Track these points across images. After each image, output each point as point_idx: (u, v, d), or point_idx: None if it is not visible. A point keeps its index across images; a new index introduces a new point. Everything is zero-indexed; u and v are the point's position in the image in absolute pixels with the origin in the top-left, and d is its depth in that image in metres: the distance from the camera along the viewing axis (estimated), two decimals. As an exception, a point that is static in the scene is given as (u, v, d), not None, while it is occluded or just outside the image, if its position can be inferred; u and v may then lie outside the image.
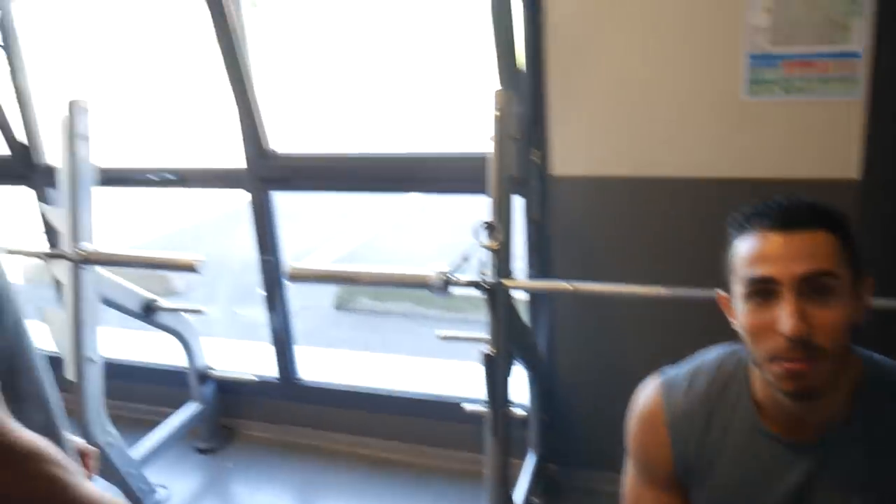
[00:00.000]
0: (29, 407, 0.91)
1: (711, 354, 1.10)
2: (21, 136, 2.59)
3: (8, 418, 0.79)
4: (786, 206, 0.94)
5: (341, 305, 4.90)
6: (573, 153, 2.03)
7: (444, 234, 6.16)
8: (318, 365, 2.79)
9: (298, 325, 2.70)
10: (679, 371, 1.11)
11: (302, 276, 1.89)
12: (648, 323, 2.07)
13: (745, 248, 0.95)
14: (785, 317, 0.87)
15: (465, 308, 4.50)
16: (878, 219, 1.84)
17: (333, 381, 2.65)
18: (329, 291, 4.89)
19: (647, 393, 1.12)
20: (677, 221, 1.99)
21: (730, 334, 1.12)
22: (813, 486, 0.97)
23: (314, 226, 6.51)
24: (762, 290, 0.92)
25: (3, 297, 0.89)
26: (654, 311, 2.04)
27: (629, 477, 1.15)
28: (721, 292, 1.05)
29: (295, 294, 2.63)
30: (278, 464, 2.55)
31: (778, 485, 0.99)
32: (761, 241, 0.92)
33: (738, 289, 0.96)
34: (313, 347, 3.04)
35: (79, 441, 1.14)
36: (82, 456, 1.14)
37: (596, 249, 2.08)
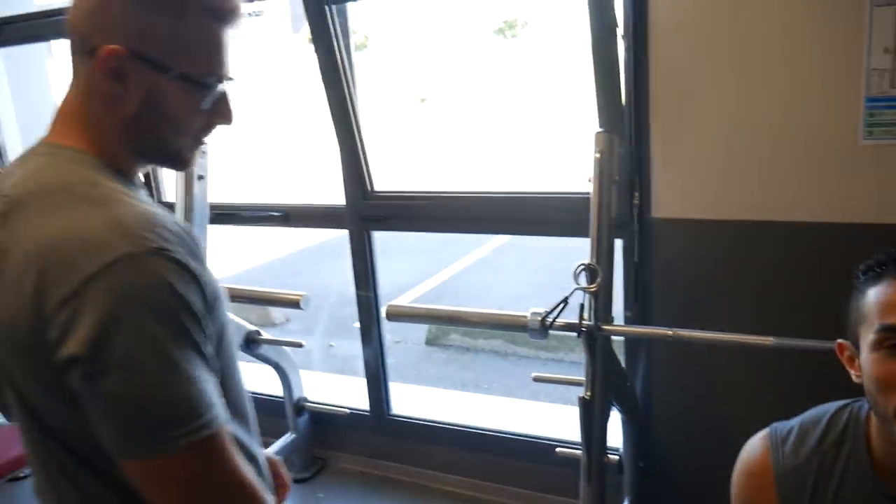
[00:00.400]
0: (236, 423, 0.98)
1: (823, 409, 1.06)
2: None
3: (244, 461, 0.87)
4: None
5: (432, 341, 4.93)
6: (675, 195, 1.99)
7: (533, 269, 6.14)
8: (410, 400, 2.81)
9: (390, 359, 2.73)
10: (789, 426, 1.07)
11: (399, 315, 1.92)
12: (750, 373, 1.99)
13: (879, 295, 0.91)
14: None
15: (557, 347, 4.45)
16: None
17: (424, 417, 2.66)
18: (421, 327, 4.94)
19: (755, 447, 1.08)
20: (785, 267, 1.91)
21: (840, 389, 1.06)
22: None
23: (403, 257, 6.60)
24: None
25: (225, 331, 0.96)
26: (757, 360, 1.96)
27: None
28: (842, 341, 1.01)
29: (388, 328, 2.67)
30: (368, 496, 2.57)
31: None
32: None
33: (869, 337, 0.91)
34: (405, 384, 3.07)
35: (266, 452, 1.21)
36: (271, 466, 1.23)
37: (697, 294, 2.03)
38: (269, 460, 1.17)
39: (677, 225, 2.01)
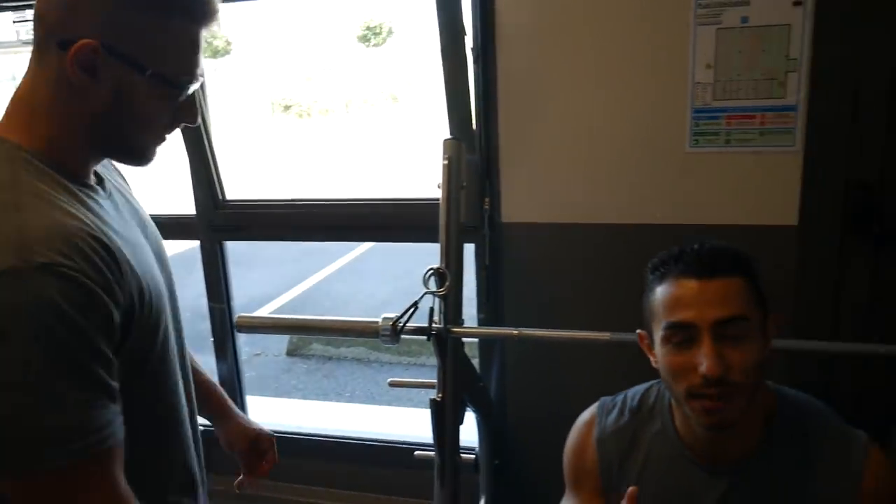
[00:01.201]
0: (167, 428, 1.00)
1: (644, 385, 1.20)
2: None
3: (122, 475, 0.85)
4: (700, 254, 1.00)
5: (293, 352, 4.83)
6: (524, 200, 2.07)
7: (397, 275, 6.17)
8: (270, 413, 2.75)
9: (250, 372, 2.66)
10: (616, 399, 1.21)
11: (250, 326, 1.87)
12: (597, 367, 2.08)
13: (664, 295, 1.02)
14: (703, 358, 0.94)
15: (419, 352, 4.49)
16: (815, 263, 1.91)
17: (284, 429, 2.60)
18: (281, 338, 4.83)
19: (584, 416, 1.24)
20: (625, 266, 2.01)
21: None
22: None
23: (265, 267, 6.45)
24: (681, 334, 0.98)
25: (157, 338, 0.95)
26: (603, 355, 2.07)
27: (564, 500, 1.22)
28: (641, 331, 1.12)
29: (247, 341, 2.60)
30: (227, 514, 2.48)
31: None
32: (679, 287, 0.99)
33: (659, 332, 1.01)
34: (265, 397, 3.00)
35: (255, 427, 1.38)
36: (258, 442, 1.35)
37: (546, 295, 2.11)
38: (263, 436, 1.35)
39: (526, 229, 2.08)
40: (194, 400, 1.14)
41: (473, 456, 2.09)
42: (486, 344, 2.24)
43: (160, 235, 1.12)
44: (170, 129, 0.97)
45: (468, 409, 1.95)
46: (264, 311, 5.31)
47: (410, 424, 2.66)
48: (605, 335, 1.55)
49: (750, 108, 1.86)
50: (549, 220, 2.06)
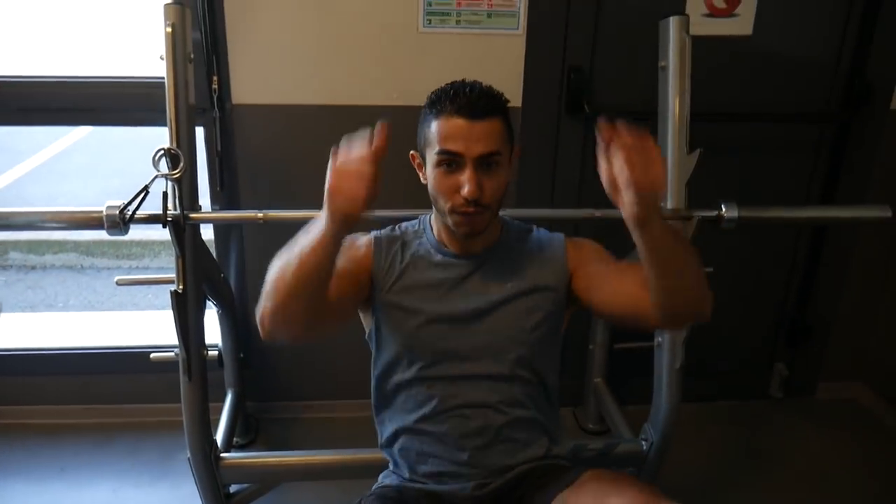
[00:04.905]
0: None
1: (410, 221, 1.45)
2: None
3: None
4: (471, 98, 1.21)
5: (-14, 262, 4.21)
6: (256, 81, 1.96)
7: (106, 174, 5.59)
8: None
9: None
10: (389, 228, 1.44)
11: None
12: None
13: (439, 127, 1.23)
14: (466, 183, 1.21)
15: (141, 255, 4.16)
16: (536, 141, 2.07)
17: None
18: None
19: (360, 235, 1.41)
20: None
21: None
22: (475, 277, 1.35)
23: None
24: (450, 161, 1.22)
25: None
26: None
27: None
28: (414, 152, 1.34)
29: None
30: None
31: (449, 279, 1.34)
32: (451, 123, 1.21)
33: (433, 157, 1.24)
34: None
35: None
36: None
37: (284, 180, 2.04)
38: None
39: (259, 111, 1.98)
40: None
41: (217, 352, 2.01)
42: (222, 236, 2.13)
43: None
44: None
45: (209, 302, 1.86)
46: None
47: (141, 330, 2.48)
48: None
49: (478, -10, 1.91)
50: (284, 101, 1.98)
